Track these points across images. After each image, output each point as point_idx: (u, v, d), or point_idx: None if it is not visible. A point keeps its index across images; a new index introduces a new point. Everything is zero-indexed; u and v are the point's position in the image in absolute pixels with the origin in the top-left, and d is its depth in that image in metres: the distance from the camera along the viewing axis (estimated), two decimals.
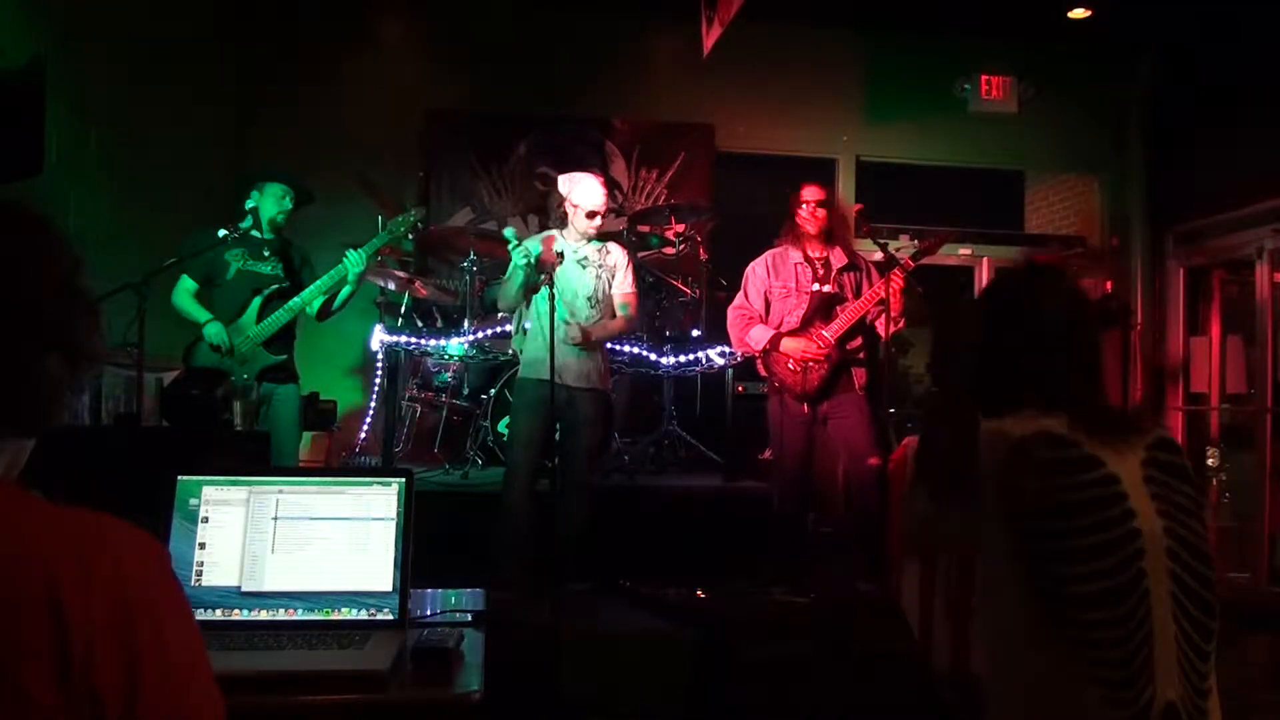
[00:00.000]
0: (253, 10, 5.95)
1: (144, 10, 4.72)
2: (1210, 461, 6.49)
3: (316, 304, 3.99)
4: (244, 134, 5.87)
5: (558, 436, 3.89)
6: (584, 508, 3.96)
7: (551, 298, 3.59)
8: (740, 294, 4.25)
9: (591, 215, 3.93)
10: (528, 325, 4.03)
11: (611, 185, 6.31)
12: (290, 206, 3.99)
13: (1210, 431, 6.32)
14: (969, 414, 1.47)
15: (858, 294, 4.11)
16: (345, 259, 3.87)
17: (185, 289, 3.91)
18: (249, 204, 3.94)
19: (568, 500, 3.92)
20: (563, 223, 4.05)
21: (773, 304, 4.16)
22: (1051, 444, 1.38)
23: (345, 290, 3.97)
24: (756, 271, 4.21)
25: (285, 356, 3.97)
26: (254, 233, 3.92)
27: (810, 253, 4.17)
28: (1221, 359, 5.91)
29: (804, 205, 4.13)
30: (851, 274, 4.19)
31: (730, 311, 4.26)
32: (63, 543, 0.76)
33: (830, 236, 4.18)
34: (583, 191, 3.93)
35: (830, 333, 4.02)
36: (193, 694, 0.80)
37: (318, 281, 3.92)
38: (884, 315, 4.04)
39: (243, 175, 4.10)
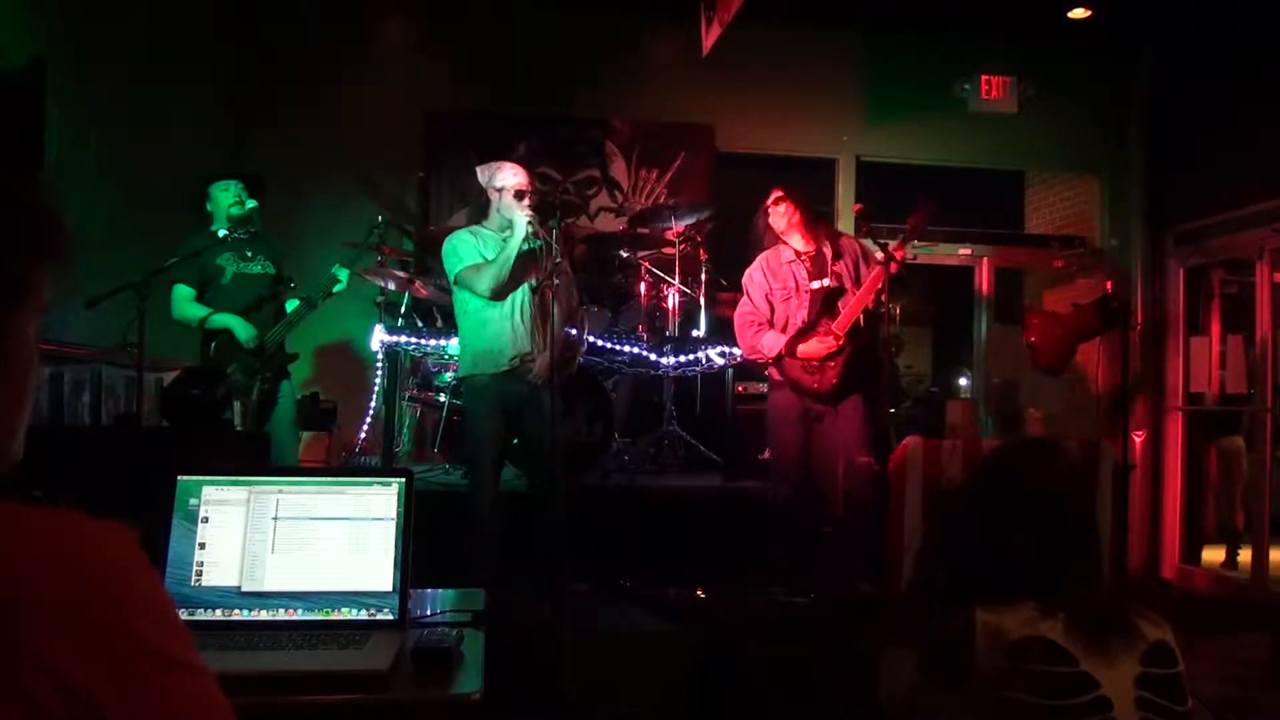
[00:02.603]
0: (253, 10, 5.94)
1: (144, 10, 4.72)
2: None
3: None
4: (244, 134, 5.86)
5: (513, 437, 3.84)
6: (564, 503, 3.81)
7: (541, 289, 3.59)
8: (744, 300, 4.21)
9: (520, 195, 3.75)
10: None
11: (611, 185, 6.32)
12: (248, 199, 4.05)
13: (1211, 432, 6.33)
14: (966, 604, 1.45)
15: (857, 283, 4.09)
16: (336, 272, 4.03)
17: (184, 296, 3.96)
18: (210, 206, 4.07)
19: (549, 498, 3.76)
20: (482, 214, 3.92)
21: (776, 306, 4.14)
22: (1047, 655, 1.38)
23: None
24: (754, 277, 4.20)
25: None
26: (239, 234, 4.02)
27: (801, 248, 4.15)
28: (1221, 359, 5.91)
29: (770, 211, 4.15)
30: (845, 261, 4.16)
31: (737, 318, 4.24)
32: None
33: (813, 230, 4.16)
34: (505, 174, 3.80)
35: (839, 327, 3.99)
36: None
37: (315, 290, 4.03)
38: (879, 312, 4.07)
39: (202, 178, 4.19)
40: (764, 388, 5.06)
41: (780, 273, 4.15)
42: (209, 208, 4.07)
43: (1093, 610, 1.43)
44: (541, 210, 3.75)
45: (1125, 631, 1.42)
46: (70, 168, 3.96)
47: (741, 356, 4.48)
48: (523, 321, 3.74)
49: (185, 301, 3.95)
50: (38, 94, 3.57)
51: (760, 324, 4.13)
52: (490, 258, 3.70)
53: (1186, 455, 6.12)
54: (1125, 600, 1.49)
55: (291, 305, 4.05)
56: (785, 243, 4.16)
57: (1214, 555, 6.03)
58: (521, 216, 3.67)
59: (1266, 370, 5.39)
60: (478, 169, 3.96)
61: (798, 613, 3.88)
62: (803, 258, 4.14)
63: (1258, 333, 5.46)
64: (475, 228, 3.89)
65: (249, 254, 4.04)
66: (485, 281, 3.68)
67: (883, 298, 4.04)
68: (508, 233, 3.75)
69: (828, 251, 4.15)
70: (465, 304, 3.81)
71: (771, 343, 4.06)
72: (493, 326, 3.71)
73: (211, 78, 5.68)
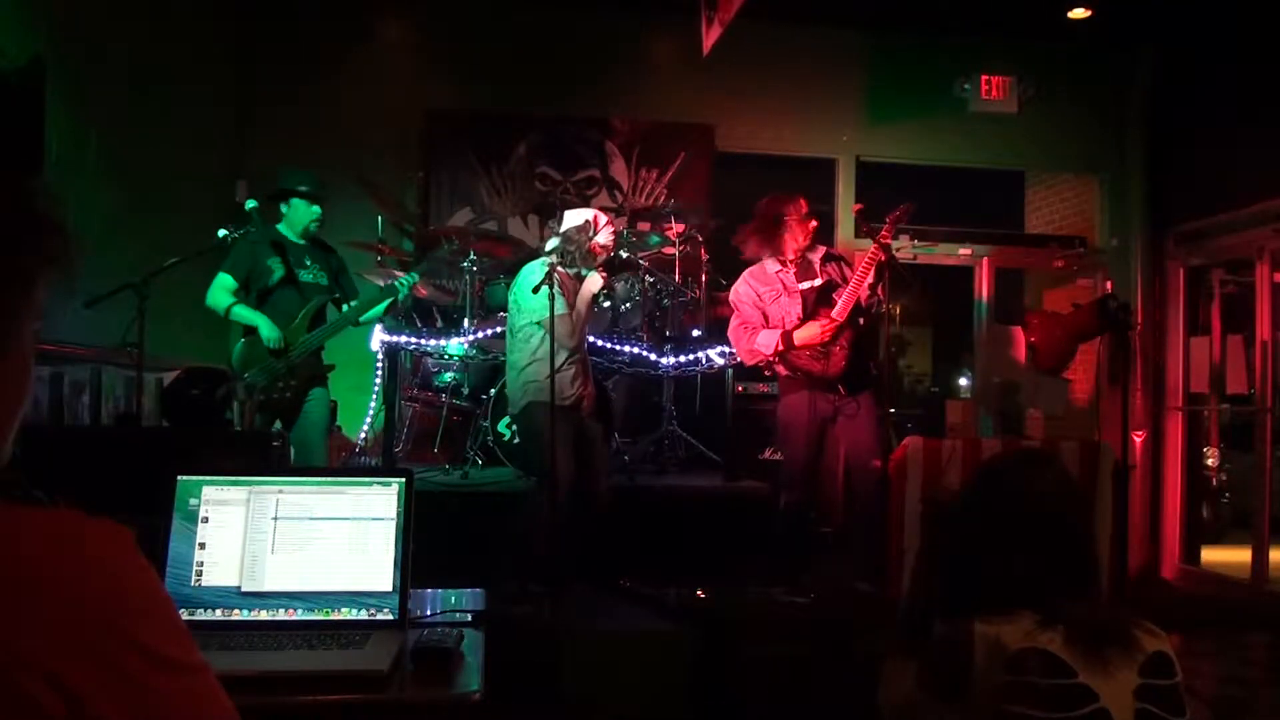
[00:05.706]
0: (253, 10, 5.95)
1: (144, 10, 4.72)
2: (1210, 462, 6.49)
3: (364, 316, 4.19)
4: (244, 134, 5.87)
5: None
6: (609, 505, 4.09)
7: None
8: (734, 315, 4.20)
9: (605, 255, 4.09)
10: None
11: (611, 185, 6.32)
12: (319, 212, 4.09)
13: (1210, 431, 6.33)
14: (965, 616, 1.46)
15: (846, 282, 4.08)
16: (398, 284, 4.10)
17: (223, 285, 3.95)
18: (289, 212, 4.07)
19: (598, 502, 4.00)
20: (584, 260, 3.97)
21: (768, 309, 4.13)
22: (1047, 667, 1.38)
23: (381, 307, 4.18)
24: (740, 290, 4.19)
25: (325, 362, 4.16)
26: (296, 240, 4.06)
27: (786, 258, 4.14)
28: (1221, 359, 5.91)
29: (797, 220, 4.06)
30: (835, 264, 4.18)
31: (731, 332, 4.22)
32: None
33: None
34: (610, 235, 4.02)
35: (838, 314, 3.97)
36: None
37: (377, 307, 4.12)
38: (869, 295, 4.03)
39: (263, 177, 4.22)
40: (764, 387, 5.07)
41: (766, 278, 4.16)
42: (285, 210, 4.07)
43: (1091, 622, 1.43)
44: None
45: (1124, 643, 1.42)
46: (70, 168, 3.95)
47: (751, 364, 4.42)
48: (580, 363, 3.99)
49: (221, 290, 3.94)
50: (38, 94, 3.57)
51: (754, 328, 4.11)
52: (570, 301, 3.90)
53: (1186, 455, 6.13)
54: (1124, 611, 1.49)
55: (332, 316, 4.09)
56: (780, 252, 4.13)
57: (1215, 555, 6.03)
58: (599, 278, 3.99)
59: (1267, 370, 5.39)
60: (570, 214, 4.07)
61: (798, 613, 3.88)
62: (789, 265, 4.14)
63: (1258, 333, 5.46)
64: (552, 264, 3.92)
65: (307, 261, 4.06)
66: (576, 337, 3.91)
67: (879, 293, 4.03)
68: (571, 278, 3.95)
69: (814, 257, 4.17)
70: (534, 343, 3.88)
71: (767, 339, 4.04)
72: (559, 370, 3.76)
73: (211, 77, 5.68)
